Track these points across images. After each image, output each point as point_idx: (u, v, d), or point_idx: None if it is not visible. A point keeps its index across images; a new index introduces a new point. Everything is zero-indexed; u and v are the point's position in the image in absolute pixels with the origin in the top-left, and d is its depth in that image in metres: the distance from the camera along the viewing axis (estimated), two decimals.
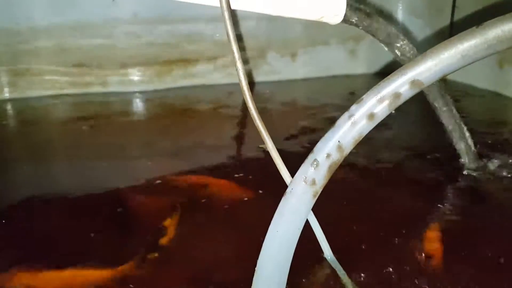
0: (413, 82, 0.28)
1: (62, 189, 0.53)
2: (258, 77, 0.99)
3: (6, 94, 0.85)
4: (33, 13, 0.83)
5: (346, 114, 0.29)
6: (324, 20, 0.40)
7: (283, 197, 0.30)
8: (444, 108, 0.42)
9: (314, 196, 0.30)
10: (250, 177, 0.54)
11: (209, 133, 0.73)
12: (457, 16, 0.87)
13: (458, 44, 0.26)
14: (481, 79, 0.84)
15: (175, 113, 0.83)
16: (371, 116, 0.29)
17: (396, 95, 0.28)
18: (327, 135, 0.30)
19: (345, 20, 0.40)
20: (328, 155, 0.29)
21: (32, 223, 0.45)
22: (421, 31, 0.97)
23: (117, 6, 0.86)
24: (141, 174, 0.55)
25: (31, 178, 0.56)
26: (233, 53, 0.32)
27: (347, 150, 0.30)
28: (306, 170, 0.29)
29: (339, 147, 0.29)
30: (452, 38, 0.27)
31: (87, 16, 0.85)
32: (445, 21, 0.89)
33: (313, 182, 0.29)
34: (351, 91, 0.97)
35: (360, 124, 0.29)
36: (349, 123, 0.29)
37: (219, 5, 0.33)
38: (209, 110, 0.85)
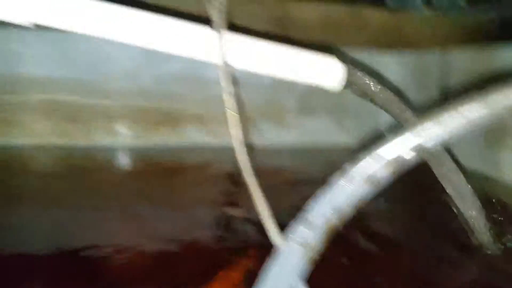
0: (416, 146, 0.27)
1: (24, 247, 0.48)
2: (246, 143, 0.98)
3: None
4: (28, 63, 0.83)
5: (340, 173, 0.28)
6: (321, 85, 0.40)
7: (272, 258, 0.28)
8: (452, 175, 0.39)
9: (309, 261, 0.27)
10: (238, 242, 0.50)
11: (193, 195, 0.70)
12: (445, 87, 0.88)
13: (461, 109, 0.26)
14: (468, 159, 0.84)
15: (160, 172, 0.80)
16: (370, 179, 0.28)
17: (398, 159, 0.27)
18: (320, 194, 0.28)
19: (343, 86, 0.40)
20: (324, 216, 0.27)
21: None
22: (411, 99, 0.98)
23: (111, 63, 0.87)
24: (114, 238, 0.51)
25: None
26: (228, 116, 0.32)
27: (344, 213, 0.28)
28: (300, 230, 0.27)
29: (337, 210, 0.28)
30: (455, 103, 0.26)
31: (80, 71, 0.86)
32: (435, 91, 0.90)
33: (308, 245, 0.27)
34: (337, 161, 0.96)
35: (356, 185, 0.28)
36: (343, 183, 0.28)
37: (217, 63, 0.33)
38: (195, 171, 0.83)
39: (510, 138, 0.73)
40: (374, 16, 0.82)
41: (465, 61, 0.85)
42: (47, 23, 0.32)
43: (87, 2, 0.31)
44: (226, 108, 0.31)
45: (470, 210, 0.41)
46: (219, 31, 0.29)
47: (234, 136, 0.32)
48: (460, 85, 0.85)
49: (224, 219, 0.61)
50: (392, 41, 0.87)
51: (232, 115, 0.31)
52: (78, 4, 0.31)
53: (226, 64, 0.30)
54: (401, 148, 0.27)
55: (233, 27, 0.33)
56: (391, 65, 0.98)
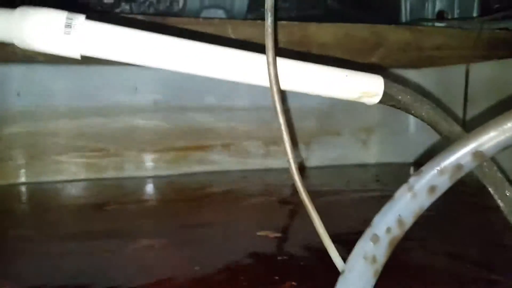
0: (475, 154, 0.27)
1: (60, 280, 0.48)
2: (272, 164, 0.99)
3: (22, 178, 0.84)
4: (55, 96, 0.85)
5: (405, 186, 0.28)
6: (363, 100, 0.41)
7: (340, 277, 0.28)
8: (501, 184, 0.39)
9: (375, 275, 0.28)
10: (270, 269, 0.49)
11: (223, 222, 0.70)
12: (469, 111, 0.89)
13: None
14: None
15: (189, 200, 0.80)
16: (431, 188, 0.28)
17: (458, 166, 0.28)
18: (385, 208, 0.28)
19: (383, 101, 0.41)
20: (389, 230, 0.28)
21: None
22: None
23: (139, 93, 0.89)
24: (147, 269, 0.50)
25: (32, 267, 0.51)
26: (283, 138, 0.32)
27: (407, 225, 0.28)
28: (366, 245, 0.28)
29: (400, 221, 0.28)
30: None
31: (109, 101, 0.88)
32: (458, 116, 0.91)
33: (374, 260, 0.27)
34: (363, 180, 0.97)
35: (420, 196, 0.28)
36: (408, 195, 0.28)
37: (268, 86, 0.33)
38: (224, 196, 0.84)
39: None
40: (391, 32, 0.83)
41: (486, 74, 0.85)
42: (98, 55, 0.33)
43: (137, 33, 0.32)
44: (282, 129, 0.32)
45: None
46: (272, 58, 0.30)
47: (289, 157, 0.32)
48: (484, 98, 0.86)
49: (259, 243, 0.60)
50: (411, 55, 0.88)
51: (286, 136, 0.31)
52: (130, 35, 0.32)
53: (278, 87, 0.31)
54: (460, 155, 0.28)
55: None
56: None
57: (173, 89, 0.92)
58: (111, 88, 0.87)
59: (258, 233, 0.60)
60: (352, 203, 0.78)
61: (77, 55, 0.33)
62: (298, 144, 1.01)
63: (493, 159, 0.34)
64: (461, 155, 0.27)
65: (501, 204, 0.33)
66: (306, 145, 1.01)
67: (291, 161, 0.33)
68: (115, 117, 0.88)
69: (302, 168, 1.01)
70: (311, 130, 1.02)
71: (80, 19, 0.32)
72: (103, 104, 0.87)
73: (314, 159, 1.02)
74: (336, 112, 1.03)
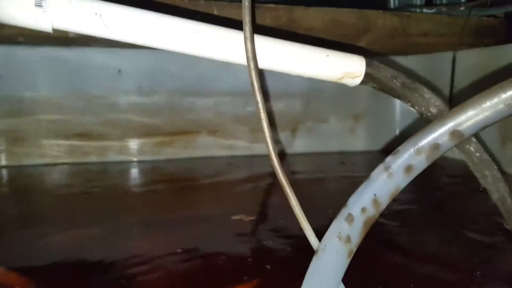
0: (453, 133, 0.27)
1: (45, 264, 0.47)
2: (258, 151, 0.98)
3: (3, 161, 0.82)
4: (37, 81, 0.83)
5: (381, 166, 0.28)
6: (344, 81, 0.40)
7: (314, 256, 0.27)
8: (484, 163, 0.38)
9: (349, 255, 0.27)
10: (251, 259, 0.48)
11: (208, 206, 0.69)
12: (455, 98, 0.88)
13: (500, 92, 0.26)
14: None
15: (174, 185, 0.80)
16: (408, 168, 0.27)
17: (435, 146, 0.27)
18: (361, 188, 0.28)
19: (365, 81, 0.40)
20: (364, 209, 0.27)
21: None
22: None
23: (122, 78, 0.88)
24: (130, 250, 0.50)
25: (16, 250, 0.51)
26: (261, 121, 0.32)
27: (383, 205, 0.28)
28: (340, 225, 0.27)
29: (375, 201, 0.27)
30: (493, 86, 0.26)
31: (91, 86, 0.86)
32: (444, 97, 0.91)
33: (348, 239, 0.27)
34: (348, 166, 0.97)
35: (396, 176, 0.27)
36: (384, 175, 0.27)
37: (246, 63, 0.32)
38: (209, 182, 0.83)
39: None
40: (379, 17, 0.83)
41: (473, 61, 0.85)
42: (70, 29, 0.32)
43: (110, 6, 0.31)
44: (260, 113, 0.31)
45: (502, 193, 0.40)
46: (249, 33, 0.29)
47: (267, 141, 0.31)
48: (470, 85, 0.85)
49: (244, 229, 0.60)
50: (398, 41, 0.87)
51: (264, 120, 0.31)
52: (103, 8, 0.30)
53: (256, 63, 0.30)
54: (438, 135, 0.27)
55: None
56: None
57: (158, 73, 0.90)
58: (94, 71, 0.85)
59: (233, 217, 0.59)
60: (335, 189, 0.77)
61: (49, 29, 0.32)
62: (284, 130, 1.00)
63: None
64: (438, 134, 0.27)
65: (486, 186, 0.32)
66: (292, 131, 1.01)
67: (268, 140, 0.32)
68: (98, 101, 0.86)
69: (285, 155, 1.00)
70: (297, 115, 1.01)
71: None
72: (86, 87, 0.85)
73: (300, 145, 1.01)
74: (324, 98, 1.02)
